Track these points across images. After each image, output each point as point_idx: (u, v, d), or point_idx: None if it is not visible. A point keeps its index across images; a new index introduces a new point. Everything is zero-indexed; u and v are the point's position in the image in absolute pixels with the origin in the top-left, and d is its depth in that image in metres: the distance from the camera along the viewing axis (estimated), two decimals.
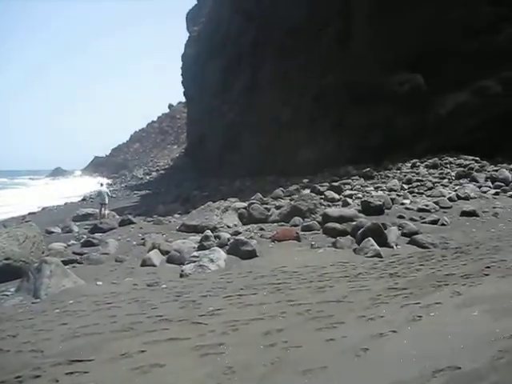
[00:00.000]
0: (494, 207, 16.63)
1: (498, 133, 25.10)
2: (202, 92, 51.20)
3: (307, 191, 21.35)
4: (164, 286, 9.25)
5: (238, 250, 11.67)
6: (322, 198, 19.58)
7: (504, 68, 26.56)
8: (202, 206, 17.85)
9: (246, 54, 40.99)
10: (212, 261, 10.84)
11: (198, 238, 13.73)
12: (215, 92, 46.54)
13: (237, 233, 14.62)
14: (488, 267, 8.33)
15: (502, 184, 20.17)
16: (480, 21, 26.60)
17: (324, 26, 32.21)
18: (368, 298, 6.95)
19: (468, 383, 3.90)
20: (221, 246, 12.42)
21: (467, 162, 24.44)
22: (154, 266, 11.50)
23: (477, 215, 15.37)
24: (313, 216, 16.06)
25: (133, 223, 18.71)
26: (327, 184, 23.41)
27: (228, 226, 16.10)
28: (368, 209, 15.97)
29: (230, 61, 43.81)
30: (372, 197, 18.10)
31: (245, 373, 4.54)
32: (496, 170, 22.42)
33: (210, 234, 13.41)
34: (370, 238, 11.41)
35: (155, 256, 12.01)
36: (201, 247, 12.43)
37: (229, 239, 13.02)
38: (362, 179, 24.68)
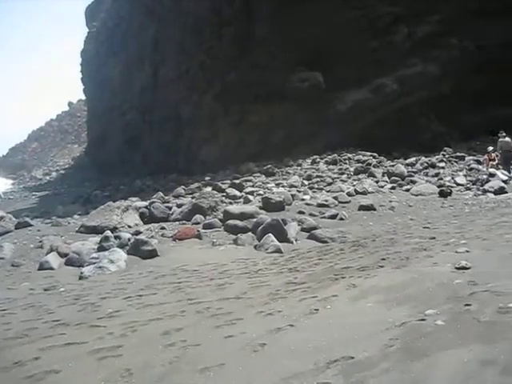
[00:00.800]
0: (390, 201, 17.37)
1: (395, 129, 26.48)
2: (102, 90, 49.78)
3: (209, 189, 21.32)
4: (62, 289, 8.86)
5: (139, 250, 11.42)
6: (223, 196, 19.61)
7: (400, 67, 28.06)
8: (102, 206, 17.31)
9: (147, 51, 40.29)
10: (112, 262, 10.55)
11: (97, 238, 13.29)
12: (116, 90, 45.42)
13: (137, 232, 14.32)
14: (383, 259, 8.68)
15: (398, 179, 21.19)
16: (378, 21, 27.85)
17: (226, 24, 32.35)
18: (267, 294, 7.08)
19: (360, 372, 4.06)
20: (121, 246, 12.09)
21: (365, 158, 25.50)
22: (52, 269, 10.95)
23: (374, 209, 15.99)
24: (214, 214, 16.04)
25: (30, 225, 17.77)
26: (229, 181, 23.53)
27: (129, 226, 15.72)
28: (269, 205, 16.16)
29: (130, 58, 42.88)
30: (273, 193, 18.35)
31: (143, 374, 4.55)
32: (393, 166, 23.59)
33: (110, 234, 13.01)
34: (271, 234, 11.54)
35: (53, 259, 11.44)
36: (100, 248, 12.04)
37: (129, 239, 12.70)
38: (264, 176, 25.03)
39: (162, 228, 14.93)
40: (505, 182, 20.06)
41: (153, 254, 11.34)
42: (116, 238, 12.90)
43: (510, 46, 28.48)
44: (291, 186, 21.34)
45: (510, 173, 21.73)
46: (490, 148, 22.99)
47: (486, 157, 23.17)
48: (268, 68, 28.90)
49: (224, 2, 32.32)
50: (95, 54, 54.04)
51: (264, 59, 29.25)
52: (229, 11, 32.11)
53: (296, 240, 12.13)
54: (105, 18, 54.60)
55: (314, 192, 19.89)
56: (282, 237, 11.79)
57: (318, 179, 22.25)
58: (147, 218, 16.57)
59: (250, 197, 18.96)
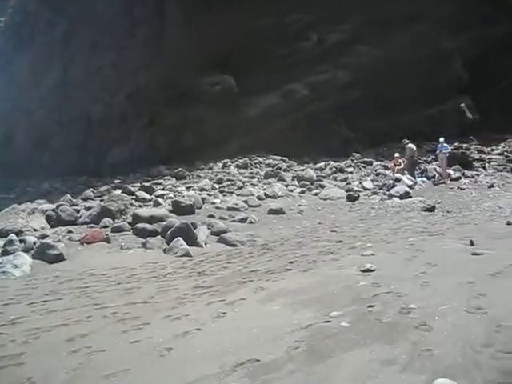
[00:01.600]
0: (299, 205, 17.75)
1: (305, 134, 27.16)
2: (8, 87, 47.37)
3: (118, 192, 20.85)
4: None
5: (45, 254, 10.98)
6: (133, 199, 19.19)
7: (311, 73, 28.84)
8: (7, 209, 16.64)
9: (56, 48, 38.78)
10: (16, 266, 10.13)
11: (1, 242, 12.70)
12: (23, 88, 43.34)
13: (43, 236, 13.74)
14: (291, 262, 8.96)
15: (308, 183, 21.68)
16: (289, 28, 28.47)
17: (138, 24, 31.87)
18: (175, 298, 7.13)
19: (266, 374, 4.16)
20: (26, 250, 11.59)
21: (276, 162, 25.92)
22: None
23: (283, 213, 16.26)
24: (123, 217, 15.70)
25: None
26: (139, 184, 23.13)
27: (35, 230, 15.08)
28: (179, 208, 16.04)
29: (39, 55, 41.06)
30: (183, 197, 18.27)
31: (45, 382, 4.50)
32: (303, 170, 24.10)
33: (15, 238, 12.44)
34: (180, 238, 11.47)
35: None
36: (4, 252, 11.49)
37: (35, 243, 12.21)
38: (174, 179, 24.81)
39: (70, 231, 14.43)
40: (410, 186, 21.05)
41: (59, 258, 10.99)
42: (21, 241, 12.47)
43: (416, 54, 30.08)
44: (202, 189, 21.29)
45: (415, 178, 22.87)
46: (397, 154, 24.11)
47: (392, 162, 24.24)
48: (180, 70, 28.73)
49: (137, 2, 31.79)
50: (2, 50, 51.41)
51: (176, 61, 29.06)
52: (142, 12, 31.65)
53: (205, 243, 12.15)
54: (12, 13, 52.13)
55: (225, 196, 19.94)
56: (192, 240, 11.77)
57: (229, 183, 22.34)
58: (54, 221, 15.96)
59: (160, 200, 18.73)
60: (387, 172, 24.02)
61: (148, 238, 12.47)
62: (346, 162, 26.14)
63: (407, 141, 23.96)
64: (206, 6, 28.45)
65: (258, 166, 25.90)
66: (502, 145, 29.84)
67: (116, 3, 32.73)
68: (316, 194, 20.07)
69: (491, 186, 21.82)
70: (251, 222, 14.93)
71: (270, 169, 24.62)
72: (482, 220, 13.55)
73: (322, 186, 21.29)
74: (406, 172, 23.71)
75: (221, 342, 5.01)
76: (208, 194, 19.82)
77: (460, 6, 30.94)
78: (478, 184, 22.67)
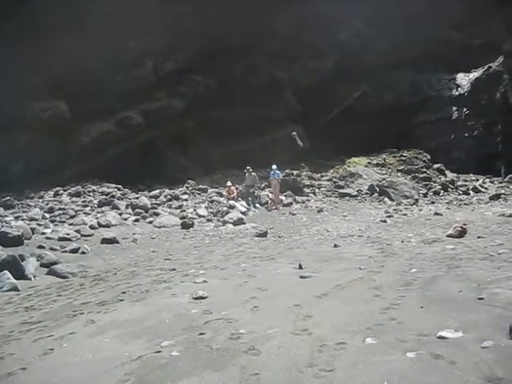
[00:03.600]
0: (133, 233, 17.81)
1: (140, 162, 27.15)
2: None
3: None
4: None
5: None
6: None
7: (146, 101, 29.04)
8: None
9: None
10: None
11: None
12: None
13: None
14: (124, 293, 9.00)
15: (142, 211, 21.74)
16: (125, 54, 28.44)
17: None
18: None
19: None
20: None
21: (110, 190, 25.54)
22: None
23: (117, 242, 16.21)
24: None
25: None
26: None
27: None
28: (5, 240, 15.18)
29: None
30: (11, 227, 17.31)
31: None
32: (137, 198, 24.07)
33: None
34: (6, 272, 10.92)
35: None
36: None
37: None
38: (2, 209, 23.31)
39: None
40: (243, 213, 22.01)
41: None
42: None
43: (251, 84, 31.74)
44: (31, 218, 20.27)
45: (249, 205, 23.89)
46: (229, 182, 25.11)
47: (226, 190, 25.12)
48: (9, 94, 27.14)
49: None
50: None
51: (4, 86, 27.43)
52: None
53: (34, 276, 11.72)
54: None
55: (56, 225, 19.25)
56: (20, 273, 11.30)
57: (61, 212, 21.58)
58: None
59: None
60: (221, 199, 24.80)
61: None
62: (181, 189, 26.63)
63: (250, 169, 24.99)
64: (37, 30, 27.34)
65: (91, 194, 25.31)
66: (331, 171, 32.66)
67: None
68: (150, 222, 20.25)
69: (320, 211, 23.68)
70: (83, 253, 14.70)
71: (104, 197, 24.21)
72: (311, 244, 14.68)
73: (157, 214, 21.50)
74: (240, 199, 24.72)
75: (47, 380, 4.93)
76: (38, 224, 18.97)
77: (291, 38, 33.12)
78: (309, 209, 24.46)
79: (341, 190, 28.71)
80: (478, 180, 32.94)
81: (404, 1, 36.80)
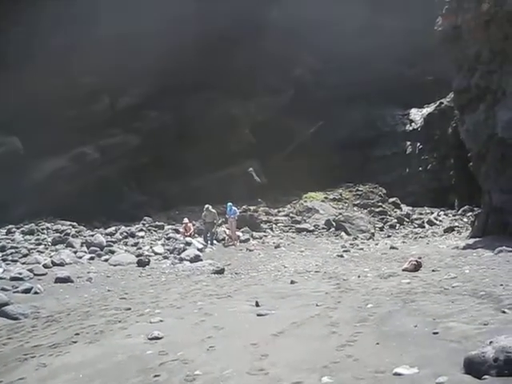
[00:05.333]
0: (88, 272, 17.88)
1: (96, 198, 27.09)
2: None
3: None
4: None
5: None
6: None
7: (102, 136, 29.14)
8: None
9: None
10: None
11: None
12: None
13: None
14: (77, 334, 8.98)
15: (97, 249, 21.74)
16: (81, 90, 28.53)
17: None
18: None
19: None
20: None
21: (64, 228, 25.36)
22: None
23: (71, 281, 16.21)
24: None
25: None
26: None
27: None
28: None
29: None
30: None
31: None
32: (92, 235, 23.99)
33: None
34: None
35: None
36: None
37: None
38: None
39: None
40: (200, 250, 22.16)
41: None
42: None
43: (207, 119, 32.14)
44: None
45: (206, 242, 24.04)
46: (185, 219, 25.29)
47: (183, 227, 25.24)
48: None
49: None
50: None
51: None
52: None
53: None
54: None
55: (8, 264, 19.04)
56: None
57: (13, 250, 21.31)
58: None
59: None
60: (178, 236, 24.89)
61: None
62: (137, 226, 26.68)
63: (209, 206, 25.18)
64: None
65: (45, 231, 25.07)
66: (288, 206, 33.12)
67: None
68: (106, 260, 20.34)
69: (278, 247, 24.06)
70: (36, 293, 14.61)
71: (58, 235, 24.06)
72: (268, 280, 14.94)
73: (113, 252, 21.58)
74: (197, 235, 24.87)
75: None
76: None
77: (246, 74, 33.88)
78: (266, 245, 24.75)
79: (298, 225, 29.16)
80: (432, 213, 33.83)
81: (357, 37, 38.29)
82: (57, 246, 22.36)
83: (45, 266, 18.08)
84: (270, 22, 34.77)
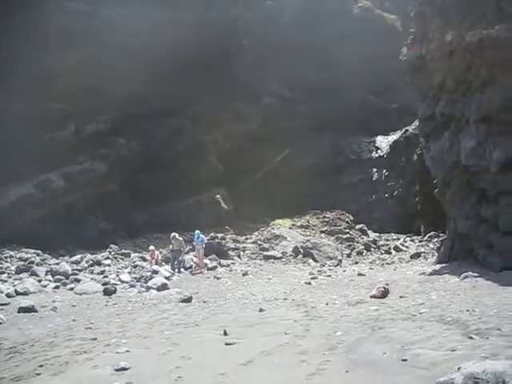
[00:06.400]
0: (53, 301, 17.83)
1: (61, 226, 26.96)
2: None
3: None
4: None
5: None
6: None
7: (68, 163, 29.09)
8: None
9: None
10: None
11: None
12: None
13: None
14: (41, 366, 8.94)
15: (63, 277, 21.64)
16: (46, 116, 28.52)
17: None
18: None
19: None
20: None
21: (28, 256, 25.08)
22: None
23: (35, 311, 16.16)
24: None
25: None
26: None
27: None
28: None
29: None
30: None
31: None
32: (57, 263, 23.83)
33: None
34: None
35: None
36: None
37: None
38: None
39: None
40: (168, 278, 22.15)
41: None
42: None
43: (174, 146, 32.54)
44: None
45: (174, 270, 24.05)
46: (152, 247, 25.35)
47: (149, 254, 25.23)
48: None
49: None
50: None
51: None
52: None
53: None
54: None
55: None
56: None
57: None
58: None
59: None
60: (145, 264, 24.81)
61: None
62: (103, 254, 26.56)
63: (176, 234, 25.19)
64: None
65: (8, 260, 24.75)
66: (256, 233, 33.26)
67: None
68: (71, 289, 20.31)
69: (245, 274, 24.19)
70: None
71: (22, 263, 23.77)
72: (236, 308, 15.08)
73: (78, 280, 21.50)
74: (164, 263, 24.87)
75: None
76: None
77: (214, 102, 34.34)
78: (234, 272, 24.85)
79: (265, 253, 29.34)
80: (399, 239, 34.39)
81: (325, 66, 39.19)
82: (21, 275, 22.09)
83: (8, 296, 17.91)
84: (241, 50, 35.46)
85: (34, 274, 22.18)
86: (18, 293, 18.59)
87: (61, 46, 27.82)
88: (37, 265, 23.61)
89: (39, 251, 25.90)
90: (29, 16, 26.65)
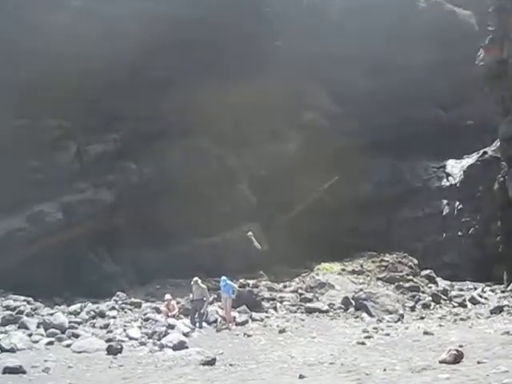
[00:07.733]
0: (45, 361, 17.72)
1: (58, 268, 27.19)
2: None
3: None
4: None
5: None
6: None
7: (67, 192, 29.43)
8: None
9: None
10: None
11: None
12: None
13: None
14: None
15: (58, 331, 21.61)
16: (42, 135, 29.07)
17: None
18: None
19: None
20: None
21: (17, 304, 25.21)
22: None
23: (24, 372, 16.00)
24: None
25: None
26: None
27: None
28: None
29: None
30: None
31: None
32: (51, 314, 23.86)
33: None
34: None
35: None
36: None
37: None
38: None
39: None
40: (186, 334, 22.04)
41: None
42: None
43: (192, 171, 33.02)
44: None
45: (194, 324, 23.88)
46: (168, 296, 25.21)
47: (165, 305, 25.13)
48: None
49: None
50: None
51: None
52: None
53: None
54: None
55: None
56: None
57: None
58: None
59: None
60: (159, 316, 24.72)
61: None
62: (108, 303, 26.51)
63: (198, 280, 25.04)
64: None
65: None
66: (296, 280, 32.86)
67: None
68: (68, 346, 20.25)
69: (283, 331, 23.88)
70: None
71: (9, 312, 23.92)
72: (271, 374, 14.83)
73: (76, 336, 21.49)
74: (183, 316, 24.75)
75: None
76: None
77: (244, 117, 34.50)
78: (268, 328, 24.56)
79: (308, 304, 28.95)
80: (476, 289, 33.76)
81: (381, 74, 38.83)
82: (7, 327, 22.17)
83: None
84: (275, 54, 35.37)
85: (23, 326, 22.21)
86: (2, 349, 18.59)
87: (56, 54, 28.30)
88: (27, 315, 23.69)
89: (30, 299, 25.97)
90: None
